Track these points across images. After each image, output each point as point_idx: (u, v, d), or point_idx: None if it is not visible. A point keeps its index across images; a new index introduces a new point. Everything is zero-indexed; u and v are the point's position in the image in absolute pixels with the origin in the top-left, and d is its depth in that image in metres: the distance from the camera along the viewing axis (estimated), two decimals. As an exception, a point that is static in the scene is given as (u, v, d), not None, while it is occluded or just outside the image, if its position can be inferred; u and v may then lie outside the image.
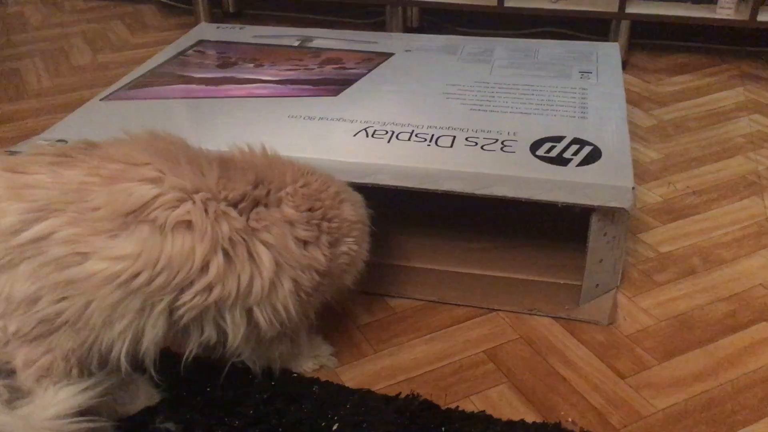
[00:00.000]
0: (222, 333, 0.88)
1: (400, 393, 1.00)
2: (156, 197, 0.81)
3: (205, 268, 0.82)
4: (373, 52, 1.62)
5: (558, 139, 1.23)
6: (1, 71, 2.08)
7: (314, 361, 1.04)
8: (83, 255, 0.78)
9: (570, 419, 0.97)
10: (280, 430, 0.94)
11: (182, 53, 1.63)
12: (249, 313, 0.87)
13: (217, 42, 1.71)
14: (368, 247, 1.02)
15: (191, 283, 0.82)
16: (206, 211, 0.82)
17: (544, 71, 1.51)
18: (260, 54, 1.63)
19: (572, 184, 1.10)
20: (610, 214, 1.07)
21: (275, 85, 1.46)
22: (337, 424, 0.94)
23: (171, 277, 0.80)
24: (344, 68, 1.54)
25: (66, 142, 1.21)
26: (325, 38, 1.71)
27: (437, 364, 1.06)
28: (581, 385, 1.02)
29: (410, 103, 1.37)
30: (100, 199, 0.79)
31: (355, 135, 1.25)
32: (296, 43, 1.69)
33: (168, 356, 0.94)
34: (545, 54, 1.60)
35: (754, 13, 1.90)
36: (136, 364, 0.86)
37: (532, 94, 1.40)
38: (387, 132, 1.26)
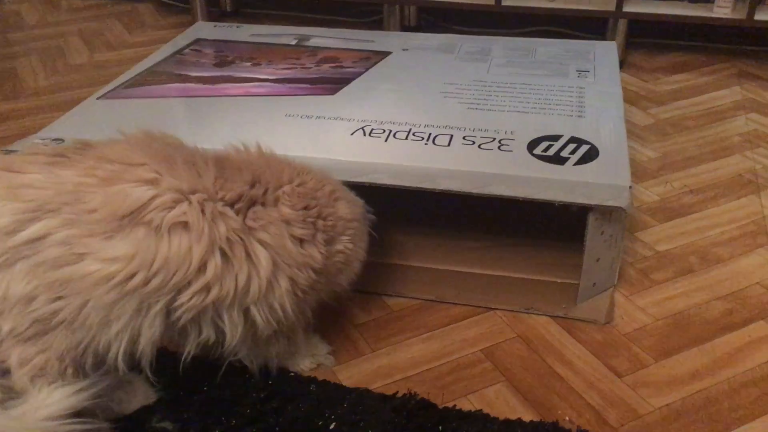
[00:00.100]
0: (220, 333, 0.88)
1: (397, 392, 1.00)
2: (152, 199, 0.80)
3: (202, 268, 0.82)
4: (370, 51, 1.62)
5: (555, 137, 1.23)
6: (-2, 70, 2.08)
7: (311, 360, 1.04)
8: (79, 255, 0.78)
9: (567, 418, 0.97)
10: (277, 429, 0.94)
11: (179, 52, 1.63)
12: (246, 312, 0.87)
13: (214, 41, 1.70)
14: (365, 247, 1.02)
15: (189, 284, 0.82)
16: (203, 211, 0.82)
17: (541, 70, 1.51)
18: (257, 53, 1.62)
19: (569, 183, 1.10)
20: (608, 213, 1.07)
21: (272, 83, 1.46)
22: (334, 423, 0.94)
23: (168, 278, 0.80)
24: (341, 67, 1.54)
25: (62, 141, 1.21)
26: (323, 37, 1.71)
27: (434, 363, 1.06)
28: (578, 383, 1.02)
29: (407, 101, 1.37)
30: (96, 201, 0.79)
31: (352, 134, 1.25)
32: (293, 42, 1.68)
33: (165, 355, 0.94)
34: (542, 53, 1.60)
35: (752, 12, 1.90)
36: (133, 364, 0.86)
37: (530, 93, 1.40)
38: (384, 131, 1.26)
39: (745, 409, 0.98)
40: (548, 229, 1.31)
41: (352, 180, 1.08)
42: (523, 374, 1.04)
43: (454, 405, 0.98)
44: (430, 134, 1.24)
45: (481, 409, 0.97)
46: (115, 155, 0.84)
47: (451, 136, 1.24)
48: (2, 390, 0.83)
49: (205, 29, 1.79)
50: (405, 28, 2.24)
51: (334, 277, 0.97)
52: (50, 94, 1.92)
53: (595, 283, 1.14)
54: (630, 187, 1.09)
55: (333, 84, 1.45)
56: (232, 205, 0.86)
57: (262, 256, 0.85)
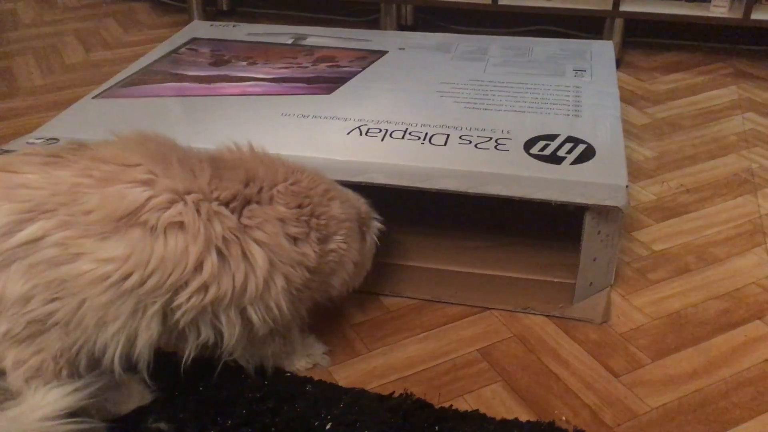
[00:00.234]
0: (218, 333, 0.88)
1: (394, 392, 1.00)
2: (148, 200, 0.80)
3: (198, 267, 0.82)
4: (366, 50, 1.62)
5: (552, 137, 1.23)
6: (-7, 69, 2.08)
7: (307, 360, 1.04)
8: (74, 255, 0.78)
9: (564, 418, 0.97)
10: (273, 429, 0.94)
11: (175, 51, 1.63)
12: (243, 311, 0.87)
13: (210, 40, 1.70)
14: (358, 247, 1.01)
15: (186, 284, 0.82)
16: (198, 211, 0.82)
17: (538, 69, 1.51)
18: (254, 52, 1.62)
19: (566, 182, 1.10)
20: (604, 212, 1.07)
21: (269, 83, 1.46)
22: (330, 424, 0.94)
23: (164, 278, 0.80)
24: (338, 66, 1.53)
25: (57, 140, 1.21)
26: (319, 36, 1.71)
27: (431, 362, 1.06)
28: (575, 383, 1.02)
29: (404, 101, 1.37)
30: (92, 202, 0.79)
31: (348, 133, 1.25)
32: (290, 41, 1.68)
33: (159, 356, 0.94)
34: (539, 52, 1.60)
35: (748, 11, 1.90)
36: (129, 366, 0.85)
37: (526, 92, 1.40)
38: (381, 130, 1.26)
39: (741, 409, 0.98)
40: (545, 229, 1.31)
41: (348, 180, 1.08)
42: (519, 374, 1.04)
43: (451, 405, 0.98)
44: (426, 134, 1.24)
45: (478, 409, 0.97)
46: (110, 156, 0.83)
47: (448, 135, 1.24)
48: (-1, 391, 0.83)
49: (201, 28, 1.79)
50: (401, 28, 2.23)
51: (327, 277, 0.97)
52: (46, 93, 1.92)
53: (591, 283, 1.14)
54: (627, 186, 1.09)
55: (329, 83, 1.45)
56: (227, 204, 0.85)
57: (258, 255, 0.85)
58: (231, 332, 0.87)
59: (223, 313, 0.86)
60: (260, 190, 0.89)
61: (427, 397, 0.99)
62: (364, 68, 1.52)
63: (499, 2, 2.03)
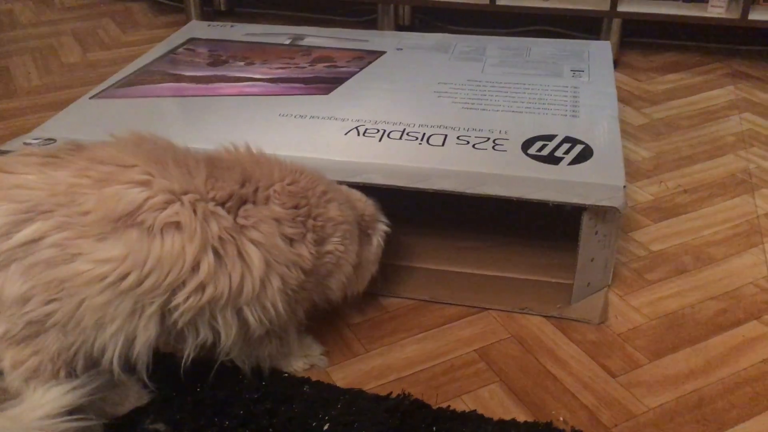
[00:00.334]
0: (216, 334, 0.88)
1: (392, 392, 1.00)
2: (145, 200, 0.80)
3: (195, 267, 0.82)
4: (364, 51, 1.62)
5: (549, 137, 1.23)
6: (-9, 69, 2.07)
7: (305, 361, 1.04)
8: (72, 256, 0.78)
9: (561, 418, 0.97)
10: (271, 430, 0.94)
11: (173, 51, 1.63)
12: (239, 312, 0.87)
13: (207, 40, 1.70)
14: (357, 250, 1.01)
15: (183, 284, 0.82)
16: (195, 211, 0.82)
17: (535, 70, 1.51)
18: (251, 52, 1.62)
19: (563, 182, 1.10)
20: (602, 212, 1.07)
21: (266, 83, 1.46)
22: (327, 424, 0.94)
23: (161, 278, 0.80)
24: (335, 66, 1.53)
25: (54, 141, 1.21)
26: (317, 36, 1.71)
27: (428, 363, 1.06)
28: (572, 383, 1.02)
29: (402, 101, 1.37)
30: (90, 203, 0.79)
31: (346, 133, 1.25)
32: (287, 42, 1.68)
33: (157, 357, 0.93)
34: (537, 52, 1.60)
35: (745, 11, 1.90)
36: (128, 366, 0.85)
37: (524, 93, 1.40)
38: (378, 131, 1.26)
39: (738, 409, 0.98)
40: (542, 229, 1.31)
41: (345, 180, 1.08)
42: (517, 374, 1.04)
43: (449, 405, 0.98)
44: (424, 134, 1.24)
45: (476, 410, 0.97)
46: (107, 157, 0.84)
47: (446, 135, 1.24)
48: (-2, 392, 0.83)
49: (198, 28, 1.78)
50: (399, 28, 2.23)
51: (324, 279, 0.97)
52: (43, 93, 1.91)
53: (589, 283, 1.14)
54: (624, 186, 1.09)
55: (327, 83, 1.45)
56: (223, 204, 0.85)
57: (254, 254, 0.85)
58: (228, 333, 0.87)
59: (220, 313, 0.86)
60: (256, 190, 0.89)
61: (424, 398, 0.99)
62: (361, 68, 1.52)
63: (497, 2, 2.03)
